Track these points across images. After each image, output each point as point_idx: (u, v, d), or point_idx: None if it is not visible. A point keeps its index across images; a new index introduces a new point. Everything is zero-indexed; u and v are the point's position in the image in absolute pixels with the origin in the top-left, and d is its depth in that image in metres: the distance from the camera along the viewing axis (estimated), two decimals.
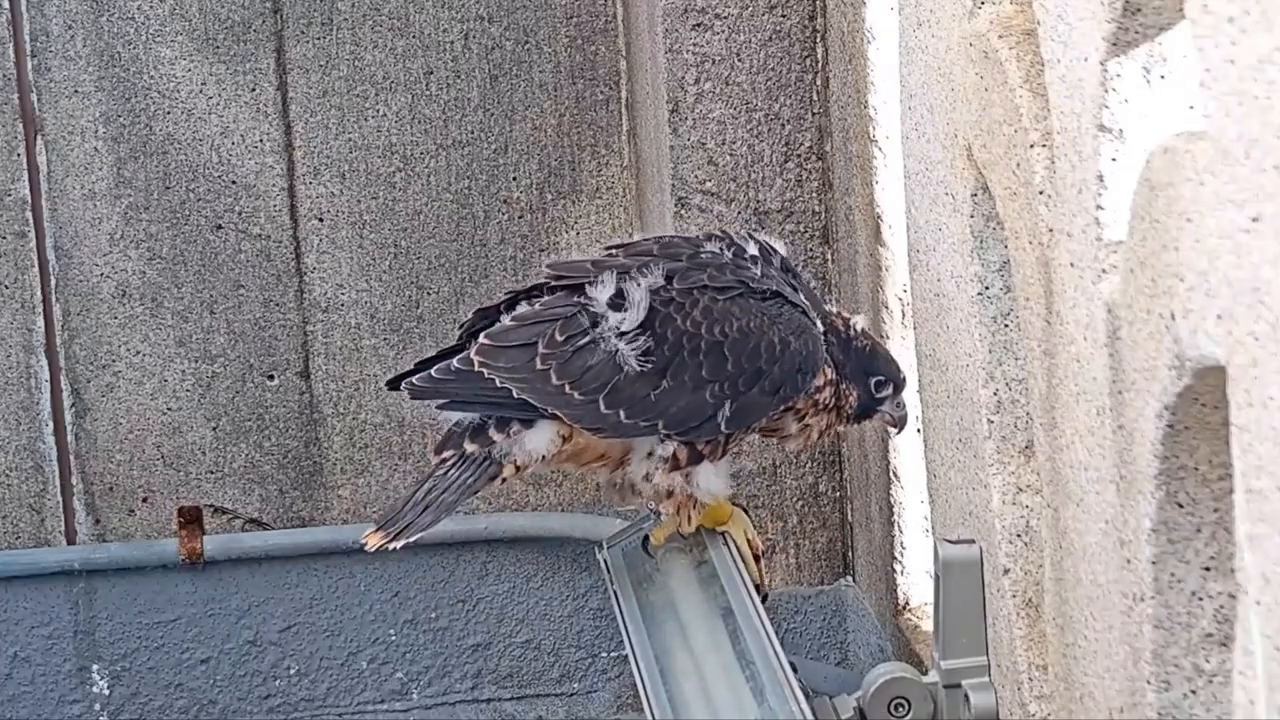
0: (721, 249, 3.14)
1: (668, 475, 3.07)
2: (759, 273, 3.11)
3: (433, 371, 3.09)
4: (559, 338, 3.02)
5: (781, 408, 3.10)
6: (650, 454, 3.07)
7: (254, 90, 4.53)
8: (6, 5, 4.45)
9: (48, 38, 4.47)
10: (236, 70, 4.51)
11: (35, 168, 4.51)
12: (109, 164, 4.52)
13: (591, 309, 3.03)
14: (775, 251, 3.18)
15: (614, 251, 3.18)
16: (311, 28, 4.51)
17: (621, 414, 3.01)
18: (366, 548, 3.03)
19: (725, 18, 4.13)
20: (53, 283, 4.54)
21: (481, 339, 3.07)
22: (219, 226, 4.55)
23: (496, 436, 3.05)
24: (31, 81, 4.48)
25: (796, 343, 3.06)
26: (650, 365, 3.01)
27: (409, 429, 4.62)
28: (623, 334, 3.01)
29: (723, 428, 3.04)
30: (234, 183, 4.54)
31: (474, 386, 3.05)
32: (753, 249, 3.15)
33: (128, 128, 4.51)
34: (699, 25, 4.13)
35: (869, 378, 3.17)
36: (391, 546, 3.02)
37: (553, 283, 3.10)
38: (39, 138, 4.51)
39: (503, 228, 4.59)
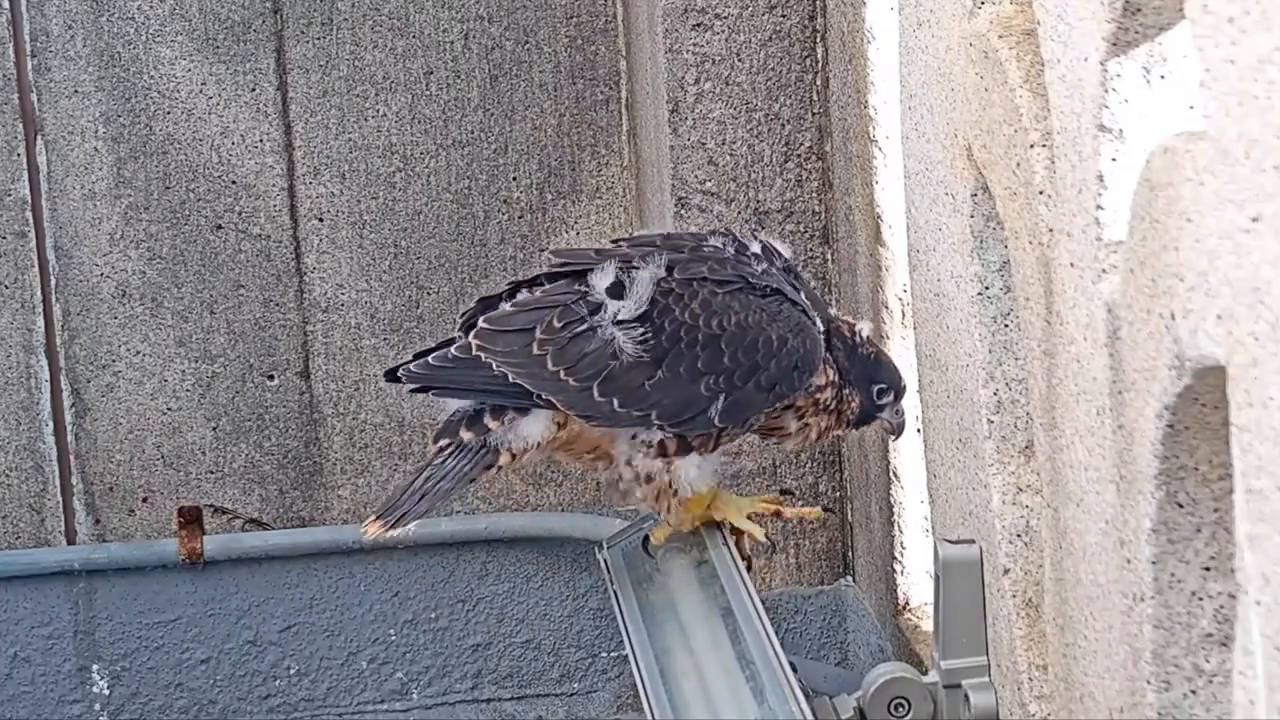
0: (724, 244, 3.13)
1: (649, 460, 3.06)
2: (760, 269, 3.11)
3: (429, 359, 3.09)
4: (557, 324, 3.02)
5: (781, 405, 3.09)
6: (634, 437, 3.06)
7: (254, 90, 4.53)
8: (6, 5, 4.45)
9: (48, 38, 4.47)
10: (236, 70, 4.51)
11: (35, 168, 4.51)
12: (109, 164, 4.52)
13: (591, 296, 3.03)
14: (778, 253, 3.18)
15: (619, 242, 3.19)
16: (311, 28, 4.51)
17: (615, 402, 3.00)
18: (365, 537, 3.03)
19: (725, 18, 4.13)
20: (53, 283, 4.54)
21: (480, 323, 3.08)
22: (219, 226, 4.55)
23: (492, 424, 3.04)
24: (31, 81, 4.48)
25: (794, 340, 3.06)
26: (646, 354, 3.01)
27: (409, 429, 4.62)
28: (620, 322, 3.01)
29: (715, 421, 3.03)
30: (234, 183, 4.54)
31: (470, 372, 3.05)
32: (755, 247, 3.15)
33: (128, 128, 4.51)
34: (699, 25, 4.13)
35: (872, 384, 3.16)
36: (390, 534, 3.02)
37: (555, 270, 3.10)
38: (39, 138, 4.51)
39: (503, 228, 4.59)
